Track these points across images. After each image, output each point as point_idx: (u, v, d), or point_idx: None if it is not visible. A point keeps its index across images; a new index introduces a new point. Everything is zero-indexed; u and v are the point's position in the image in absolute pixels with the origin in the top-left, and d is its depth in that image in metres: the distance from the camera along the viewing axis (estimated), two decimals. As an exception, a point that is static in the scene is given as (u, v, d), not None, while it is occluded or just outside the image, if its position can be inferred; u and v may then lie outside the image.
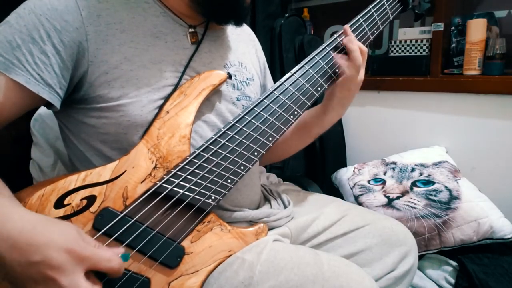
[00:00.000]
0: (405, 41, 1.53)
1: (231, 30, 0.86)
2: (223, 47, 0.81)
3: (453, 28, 1.47)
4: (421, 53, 1.50)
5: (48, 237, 0.48)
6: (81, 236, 0.51)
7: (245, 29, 0.95)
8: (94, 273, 0.51)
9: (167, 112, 0.67)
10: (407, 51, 1.54)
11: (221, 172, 0.68)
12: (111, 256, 0.51)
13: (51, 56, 0.61)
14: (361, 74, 0.80)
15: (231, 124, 0.69)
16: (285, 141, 0.94)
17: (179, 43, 0.73)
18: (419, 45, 1.50)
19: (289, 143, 0.95)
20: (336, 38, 0.81)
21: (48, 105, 0.64)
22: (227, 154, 0.68)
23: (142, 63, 0.67)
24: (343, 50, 0.80)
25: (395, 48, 1.57)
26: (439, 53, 1.45)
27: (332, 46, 0.80)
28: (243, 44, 0.88)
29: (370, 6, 0.86)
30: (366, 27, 0.84)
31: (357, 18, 0.83)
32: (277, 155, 1.00)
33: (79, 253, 0.48)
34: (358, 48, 0.78)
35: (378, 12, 0.86)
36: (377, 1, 0.87)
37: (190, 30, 0.74)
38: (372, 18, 0.85)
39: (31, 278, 0.47)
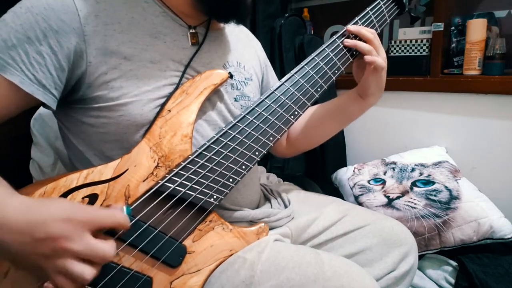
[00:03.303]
0: (405, 41, 1.53)
1: (230, 31, 0.86)
2: (222, 47, 0.81)
3: (453, 28, 1.47)
4: (421, 53, 1.50)
5: (45, 213, 0.49)
6: (77, 204, 0.53)
7: (243, 30, 0.95)
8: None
9: (169, 110, 0.67)
10: (407, 51, 1.54)
11: (222, 171, 0.68)
12: (112, 212, 0.52)
13: (46, 57, 0.60)
14: (382, 54, 0.81)
15: (233, 123, 0.69)
16: (322, 126, 0.95)
17: (179, 43, 0.73)
18: (419, 45, 1.50)
19: (329, 127, 0.96)
20: (335, 39, 0.81)
21: (45, 105, 0.64)
22: (228, 154, 0.68)
23: (141, 63, 0.67)
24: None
25: (395, 48, 1.57)
26: (439, 53, 1.45)
27: (332, 47, 0.80)
28: (241, 45, 0.88)
29: (368, 9, 0.87)
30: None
31: (355, 20, 0.84)
32: (311, 143, 1.01)
33: (79, 218, 0.49)
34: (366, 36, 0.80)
35: (376, 14, 0.87)
36: (374, 4, 0.88)
37: (190, 31, 0.74)
38: (370, 20, 0.86)
39: (42, 255, 0.48)
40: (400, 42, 1.55)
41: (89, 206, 0.54)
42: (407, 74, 1.54)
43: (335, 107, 0.93)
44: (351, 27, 0.81)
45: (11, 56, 0.58)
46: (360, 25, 0.84)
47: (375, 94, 0.86)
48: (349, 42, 0.81)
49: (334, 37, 0.82)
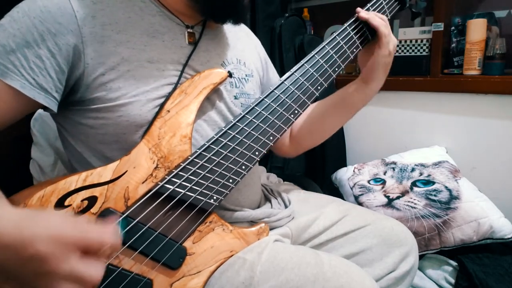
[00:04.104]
0: (405, 41, 1.53)
1: (229, 28, 0.86)
2: (220, 45, 0.81)
3: (453, 28, 1.47)
4: (421, 53, 1.50)
5: (33, 230, 0.46)
6: (68, 220, 0.48)
7: (243, 27, 0.94)
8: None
9: (168, 111, 0.66)
10: (407, 51, 1.54)
11: (222, 172, 0.67)
12: (102, 230, 0.48)
13: (45, 60, 0.60)
14: (393, 38, 0.84)
15: (232, 123, 0.69)
16: (324, 122, 0.95)
17: (177, 42, 0.73)
18: (419, 45, 1.50)
19: (333, 122, 0.95)
20: (335, 37, 0.81)
21: (46, 107, 0.64)
22: (228, 154, 0.68)
23: (139, 63, 0.67)
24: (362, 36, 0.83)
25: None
26: (439, 53, 1.45)
27: (332, 45, 0.80)
28: (241, 41, 0.88)
29: (369, 5, 0.86)
30: (364, 26, 0.84)
31: (355, 17, 0.84)
32: (315, 141, 1.00)
33: (67, 238, 0.46)
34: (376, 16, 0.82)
35: (377, 11, 0.87)
36: (375, 0, 0.87)
37: (188, 30, 0.74)
38: None
39: (28, 274, 0.46)
40: (400, 42, 1.54)
41: (82, 222, 0.49)
42: (407, 74, 1.54)
43: (338, 99, 0.92)
44: (362, 13, 0.82)
45: (11, 61, 0.58)
46: (360, 21, 0.83)
47: (379, 77, 0.85)
48: (364, 14, 0.82)
49: (334, 34, 0.81)
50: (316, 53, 0.79)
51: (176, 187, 0.63)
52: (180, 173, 0.63)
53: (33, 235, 0.46)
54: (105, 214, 0.57)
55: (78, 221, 0.50)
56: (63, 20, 0.61)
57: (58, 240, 0.46)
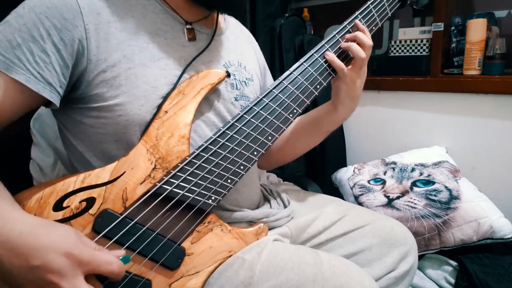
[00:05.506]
0: (405, 41, 1.53)
1: (231, 31, 0.86)
2: (222, 46, 0.81)
3: (453, 28, 1.47)
4: (421, 53, 1.50)
5: (48, 241, 0.48)
6: (81, 239, 0.51)
7: (244, 31, 0.95)
8: (95, 276, 0.51)
9: (166, 112, 0.66)
10: (407, 51, 1.54)
11: (221, 172, 0.67)
12: (111, 259, 0.51)
13: (51, 55, 0.60)
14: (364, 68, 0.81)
15: (231, 123, 0.69)
16: (295, 140, 0.94)
17: (178, 41, 0.73)
18: (419, 45, 1.50)
19: (299, 141, 0.95)
20: (335, 35, 0.80)
21: (48, 103, 0.64)
22: (226, 154, 0.68)
23: (141, 61, 0.67)
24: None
25: (395, 48, 1.57)
26: (439, 53, 1.45)
27: (331, 43, 0.80)
28: (242, 45, 0.89)
29: (369, 3, 0.85)
30: (364, 24, 0.83)
31: (355, 15, 0.83)
32: (285, 157, 0.99)
33: (79, 257, 0.48)
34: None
35: (377, 9, 0.86)
36: None
37: (186, 26, 0.74)
38: (370, 15, 0.85)
39: (31, 282, 0.47)
40: (400, 42, 1.54)
41: (93, 245, 0.52)
42: (407, 74, 1.54)
43: (311, 119, 0.91)
44: (359, 23, 0.81)
45: (16, 55, 0.58)
46: (360, 19, 0.83)
47: (346, 103, 0.83)
48: (344, 45, 0.80)
49: (334, 32, 0.81)
50: (315, 52, 0.78)
51: (174, 187, 0.63)
52: (178, 173, 0.63)
53: (48, 245, 0.47)
54: (103, 215, 0.58)
55: (90, 243, 0.52)
56: (69, 15, 0.61)
57: (71, 257, 0.47)
